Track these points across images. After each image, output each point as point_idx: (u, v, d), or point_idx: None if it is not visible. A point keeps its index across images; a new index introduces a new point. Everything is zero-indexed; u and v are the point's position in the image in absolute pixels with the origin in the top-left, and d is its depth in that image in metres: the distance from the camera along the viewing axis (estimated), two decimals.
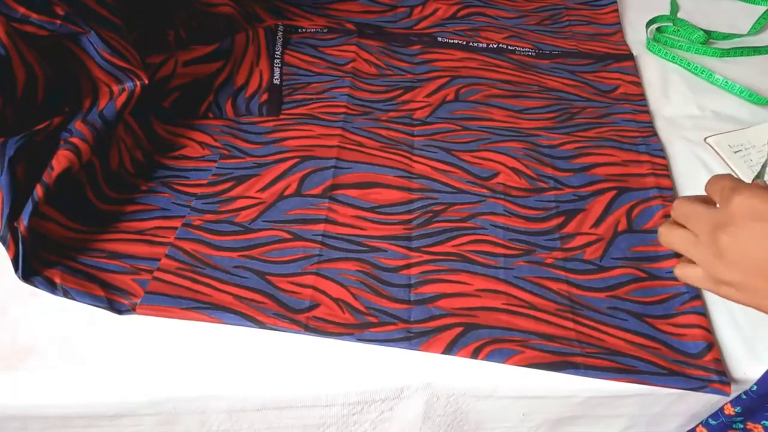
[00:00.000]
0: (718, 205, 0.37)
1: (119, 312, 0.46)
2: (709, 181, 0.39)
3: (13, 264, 0.45)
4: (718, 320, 0.48)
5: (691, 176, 0.58)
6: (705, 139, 0.61)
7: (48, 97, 0.49)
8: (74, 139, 0.48)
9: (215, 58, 0.63)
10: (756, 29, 0.74)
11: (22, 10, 0.46)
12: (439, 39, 0.71)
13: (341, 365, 0.44)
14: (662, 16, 0.75)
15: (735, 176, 0.38)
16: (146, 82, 0.52)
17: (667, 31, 0.73)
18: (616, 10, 0.76)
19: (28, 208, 0.45)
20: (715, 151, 0.60)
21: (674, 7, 0.77)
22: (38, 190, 0.45)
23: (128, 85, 0.52)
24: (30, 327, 0.45)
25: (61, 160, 0.47)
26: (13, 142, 0.45)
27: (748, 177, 0.57)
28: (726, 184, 0.37)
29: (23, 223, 0.44)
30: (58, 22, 0.48)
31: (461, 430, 0.50)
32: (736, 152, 0.59)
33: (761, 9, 0.76)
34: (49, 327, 0.45)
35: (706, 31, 0.72)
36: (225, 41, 0.64)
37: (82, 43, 0.50)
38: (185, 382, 0.43)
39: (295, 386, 0.44)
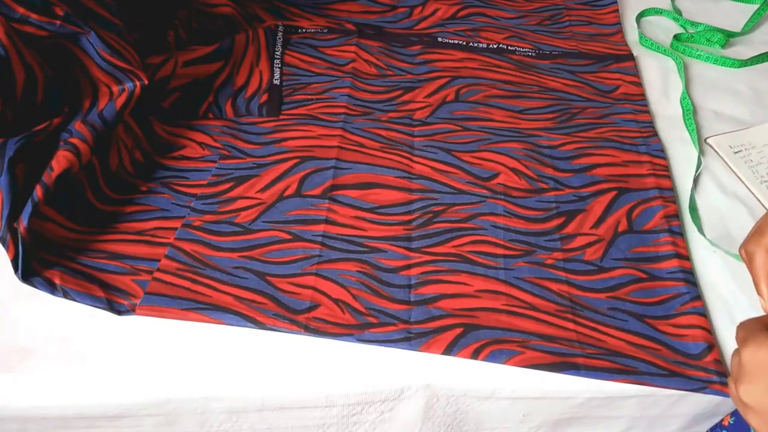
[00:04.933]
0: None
1: (119, 313, 0.46)
2: (737, 327, 0.39)
3: (12, 264, 0.45)
4: (719, 321, 0.48)
5: (691, 177, 0.58)
6: (705, 139, 0.61)
7: (47, 98, 0.48)
8: (74, 140, 0.48)
9: (215, 58, 0.63)
10: (749, 27, 0.74)
11: (21, 10, 0.46)
12: (440, 39, 0.71)
13: (341, 366, 0.44)
14: (654, 9, 0.76)
15: (753, 323, 0.38)
16: (146, 82, 0.52)
17: (681, 38, 0.73)
18: (617, 11, 0.76)
19: (28, 208, 0.45)
20: (716, 152, 0.60)
21: (677, 12, 0.77)
22: (38, 191, 0.45)
23: (128, 85, 0.52)
24: (29, 328, 0.45)
25: (60, 161, 0.47)
26: (13, 142, 0.45)
27: (748, 177, 0.57)
28: (739, 335, 0.37)
29: (23, 223, 0.44)
30: (58, 22, 0.48)
31: (461, 431, 0.50)
32: (736, 153, 0.59)
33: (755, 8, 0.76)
34: (48, 328, 0.45)
35: (726, 33, 0.72)
36: (225, 41, 0.64)
37: (81, 43, 0.50)
38: (185, 383, 0.43)
39: (295, 387, 0.44)
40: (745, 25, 0.74)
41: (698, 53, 0.70)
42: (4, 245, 0.44)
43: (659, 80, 0.68)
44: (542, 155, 0.59)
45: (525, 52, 0.70)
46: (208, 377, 0.43)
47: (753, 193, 0.56)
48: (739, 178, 0.57)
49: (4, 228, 0.44)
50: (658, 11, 0.77)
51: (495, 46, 0.70)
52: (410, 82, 0.66)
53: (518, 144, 0.59)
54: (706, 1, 0.78)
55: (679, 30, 0.75)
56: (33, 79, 0.47)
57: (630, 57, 0.70)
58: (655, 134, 0.61)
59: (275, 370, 0.44)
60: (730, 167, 0.59)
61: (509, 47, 0.70)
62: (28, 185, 0.46)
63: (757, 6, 0.77)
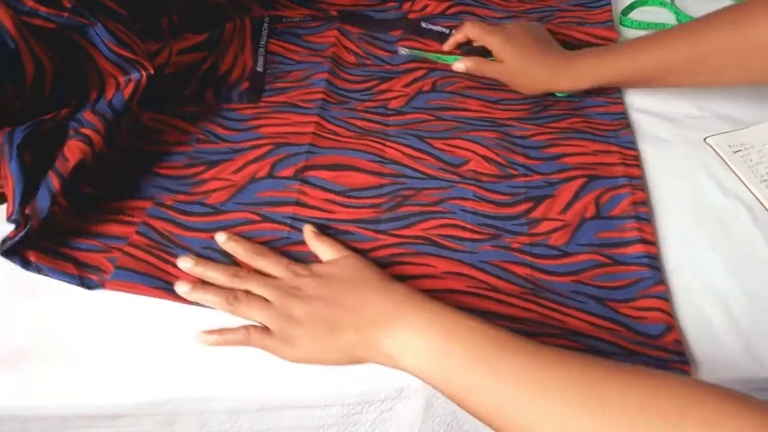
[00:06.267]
0: None
1: (89, 287, 0.46)
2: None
3: (2, 238, 0.45)
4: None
5: (691, 177, 0.58)
6: (705, 139, 0.61)
7: (55, 90, 0.49)
8: (86, 131, 0.49)
9: (206, 47, 0.63)
10: None
11: (30, 3, 0.46)
12: (423, 25, 0.71)
13: (341, 365, 0.44)
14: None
15: None
16: (151, 71, 0.52)
17: None
18: (610, 11, 0.75)
19: (46, 200, 0.45)
20: (715, 152, 0.60)
21: (676, 12, 0.77)
22: (55, 183, 0.46)
23: (134, 75, 0.52)
24: (29, 328, 0.45)
25: (75, 152, 0.47)
26: (20, 130, 0.46)
27: (748, 177, 0.57)
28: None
29: (38, 215, 0.45)
30: (66, 14, 0.48)
31: (461, 430, 0.50)
32: (736, 152, 0.59)
33: None
34: (48, 327, 0.45)
35: None
36: (215, 31, 0.64)
37: (89, 35, 0.50)
38: (185, 383, 0.43)
39: (295, 387, 0.44)
40: None
41: None
42: (17, 227, 0.45)
43: None
44: (514, 144, 0.59)
45: None
46: (207, 377, 0.43)
47: (753, 193, 0.56)
48: (739, 178, 0.58)
49: (17, 211, 0.45)
50: (659, 2, 0.76)
51: None
52: (388, 72, 0.66)
53: (490, 133, 0.60)
54: (706, 2, 0.78)
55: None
56: (42, 71, 0.47)
57: None
58: (628, 126, 0.61)
59: (275, 370, 0.44)
60: (729, 167, 0.59)
61: None
62: (37, 170, 0.46)
63: None
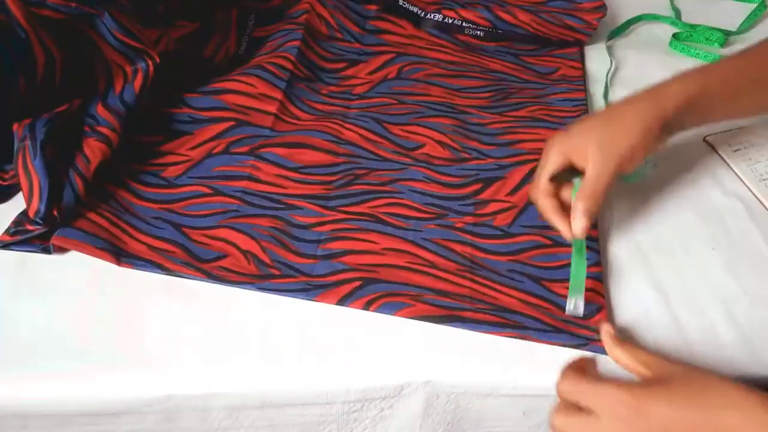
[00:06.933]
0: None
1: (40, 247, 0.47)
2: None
3: (17, 225, 0.47)
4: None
5: (690, 175, 0.58)
6: (704, 138, 0.61)
7: (64, 80, 0.50)
8: (104, 130, 0.50)
9: (199, 35, 0.64)
10: (746, 26, 0.74)
11: None
12: (400, 2, 0.70)
13: (342, 363, 0.44)
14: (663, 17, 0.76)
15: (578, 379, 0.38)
16: (157, 60, 0.53)
17: (680, 37, 0.73)
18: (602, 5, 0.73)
19: (71, 200, 0.47)
20: (715, 150, 0.60)
21: (676, 12, 0.77)
22: (79, 185, 0.47)
23: (141, 65, 0.53)
24: (30, 325, 0.45)
25: (96, 154, 0.49)
26: (41, 126, 0.47)
27: (747, 175, 0.57)
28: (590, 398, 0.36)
29: (62, 215, 0.46)
30: (73, 4, 0.49)
31: (461, 429, 0.50)
32: (735, 151, 0.60)
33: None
34: (48, 325, 0.45)
35: (724, 32, 0.72)
36: (208, 19, 0.65)
37: (96, 24, 0.51)
38: (186, 380, 0.43)
39: (295, 384, 0.44)
40: (741, 24, 0.74)
41: (697, 52, 0.70)
42: (45, 224, 0.46)
43: (657, 79, 0.67)
44: (469, 131, 0.59)
45: (473, 32, 0.69)
46: (208, 374, 0.44)
47: (752, 192, 0.56)
48: (738, 177, 0.58)
49: (45, 209, 0.46)
50: (655, 17, 0.76)
51: (450, 21, 0.69)
52: (356, 53, 0.67)
53: (448, 120, 0.60)
54: (706, 2, 0.78)
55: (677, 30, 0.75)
56: (52, 61, 0.48)
57: (576, 43, 0.69)
58: (586, 111, 0.61)
59: (275, 368, 0.44)
60: (729, 166, 0.59)
61: (461, 22, 0.69)
62: (58, 165, 0.47)
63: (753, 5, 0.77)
